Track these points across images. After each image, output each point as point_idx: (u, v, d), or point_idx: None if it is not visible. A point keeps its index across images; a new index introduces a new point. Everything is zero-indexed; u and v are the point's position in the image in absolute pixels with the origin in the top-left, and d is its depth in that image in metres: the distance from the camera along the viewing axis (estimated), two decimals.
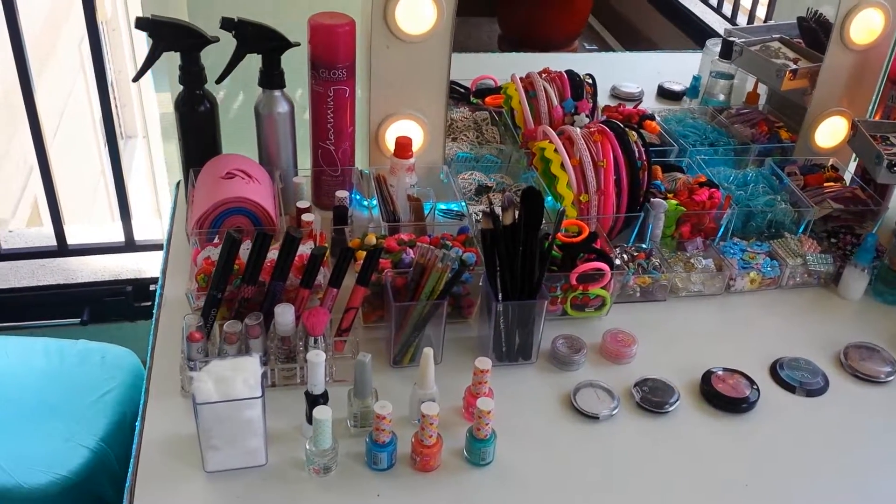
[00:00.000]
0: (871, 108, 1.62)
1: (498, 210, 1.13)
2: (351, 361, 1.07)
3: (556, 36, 3.60)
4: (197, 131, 1.39)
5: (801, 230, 1.44)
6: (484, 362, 1.03)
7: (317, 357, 0.97)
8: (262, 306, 1.10)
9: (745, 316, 1.33)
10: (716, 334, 1.28)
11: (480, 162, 1.55)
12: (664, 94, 2.05)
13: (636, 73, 2.17)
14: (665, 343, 1.25)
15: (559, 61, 2.38)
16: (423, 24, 1.35)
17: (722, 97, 1.87)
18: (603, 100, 2.01)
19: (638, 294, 1.33)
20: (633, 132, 1.40)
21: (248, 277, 1.09)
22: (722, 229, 1.41)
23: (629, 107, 1.76)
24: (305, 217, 1.27)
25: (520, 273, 1.13)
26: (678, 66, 2.15)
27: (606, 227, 1.39)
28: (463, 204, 1.38)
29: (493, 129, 1.63)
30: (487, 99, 1.73)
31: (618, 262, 1.33)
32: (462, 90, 1.79)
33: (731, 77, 1.86)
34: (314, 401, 1.00)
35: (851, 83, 1.56)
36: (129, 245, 2.38)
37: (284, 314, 1.05)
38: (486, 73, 1.89)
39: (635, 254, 1.35)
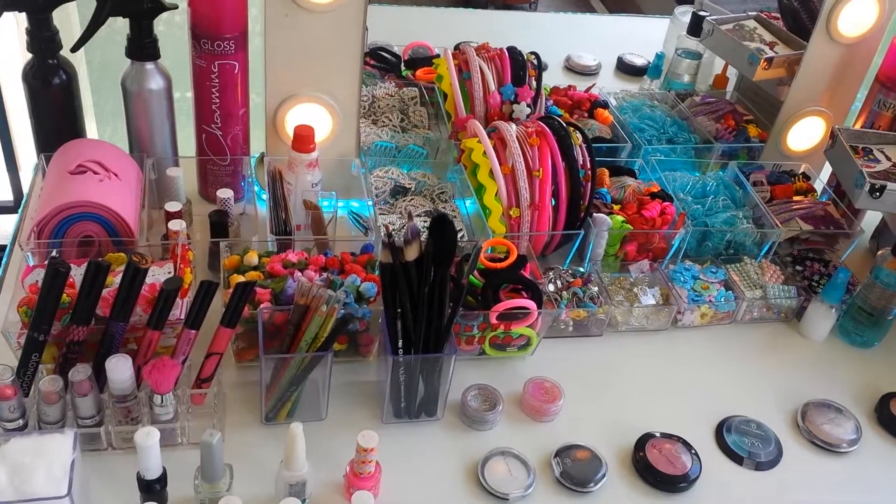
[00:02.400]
0: (852, 110, 1.42)
1: (401, 240, 0.92)
2: (212, 418, 0.88)
3: None
4: (51, 108, 1.15)
5: (763, 253, 1.25)
6: (368, 439, 0.84)
7: (147, 438, 0.76)
8: (99, 352, 0.88)
9: (693, 358, 1.14)
10: (657, 382, 1.10)
11: (402, 152, 1.32)
12: (624, 68, 1.83)
13: (597, 40, 1.95)
14: (597, 393, 1.06)
15: (517, 21, 2.14)
16: None
17: (687, 78, 1.65)
18: (555, 72, 1.79)
19: (571, 328, 1.13)
20: (578, 133, 1.19)
21: (78, 316, 0.86)
22: (673, 251, 1.22)
23: (581, 89, 1.53)
24: (173, 225, 1.05)
25: (425, 317, 0.93)
26: (645, 34, 1.92)
27: (540, 244, 1.19)
28: (370, 208, 1.16)
29: (421, 111, 1.40)
30: (419, 72, 1.49)
31: (551, 287, 1.14)
32: (392, 58, 1.54)
33: (698, 56, 1.64)
34: (147, 487, 0.79)
35: (834, 80, 1.35)
36: (20, 204, 2.11)
37: (117, 369, 0.84)
38: (426, 33, 1.64)
39: (570, 280, 1.15)
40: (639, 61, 1.83)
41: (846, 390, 1.12)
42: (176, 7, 1.10)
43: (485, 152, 1.14)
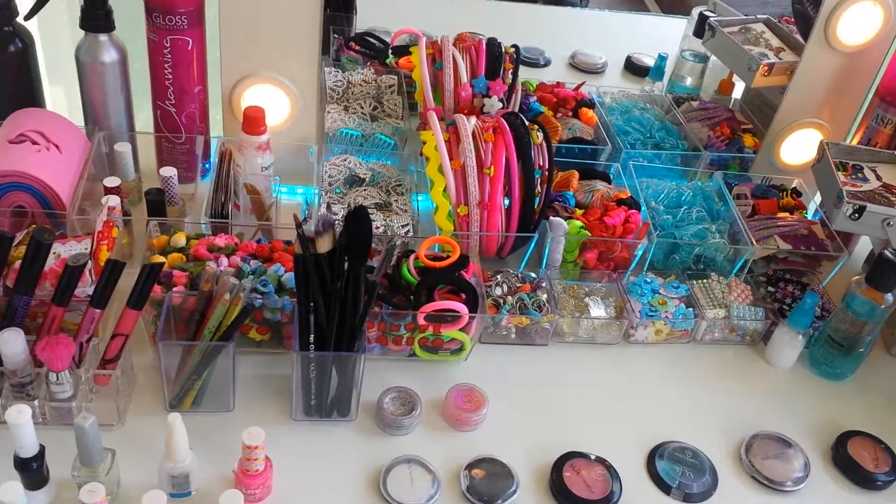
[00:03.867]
0: (854, 124, 1.32)
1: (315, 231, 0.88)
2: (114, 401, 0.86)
3: None
4: (7, 76, 1.14)
5: (735, 270, 1.17)
6: (253, 436, 0.80)
7: (18, 416, 0.74)
8: (2, 325, 0.87)
9: (641, 376, 1.08)
10: (596, 398, 1.04)
11: (369, 141, 1.28)
12: (631, 68, 1.75)
13: (612, 38, 1.87)
14: (528, 405, 1.01)
15: (528, 13, 2.08)
16: None
17: (690, 81, 1.58)
18: (559, 67, 1.73)
19: (514, 336, 1.08)
20: (539, 131, 1.13)
21: None
22: (635, 262, 1.16)
23: (571, 86, 1.47)
24: (104, 200, 1.03)
25: (337, 314, 0.89)
26: (666, 33, 1.83)
27: (494, 245, 1.13)
28: (312, 196, 1.12)
29: (396, 100, 1.36)
30: (401, 60, 1.45)
31: (497, 290, 1.09)
32: (379, 44, 1.50)
33: (704, 59, 1.56)
34: (23, 466, 0.78)
35: (834, 92, 1.27)
36: None
37: (10, 343, 0.82)
38: (435, 22, 1.59)
39: (518, 285, 1.10)
40: (648, 61, 1.75)
41: (804, 425, 1.04)
42: None
43: (436, 146, 1.09)
